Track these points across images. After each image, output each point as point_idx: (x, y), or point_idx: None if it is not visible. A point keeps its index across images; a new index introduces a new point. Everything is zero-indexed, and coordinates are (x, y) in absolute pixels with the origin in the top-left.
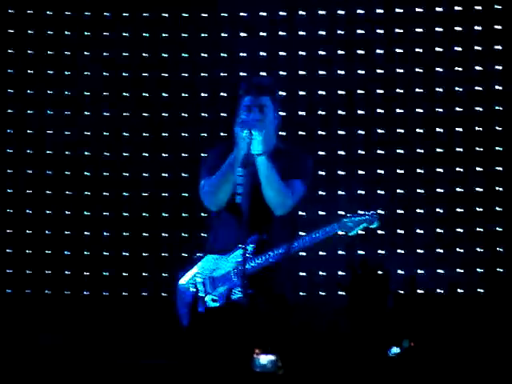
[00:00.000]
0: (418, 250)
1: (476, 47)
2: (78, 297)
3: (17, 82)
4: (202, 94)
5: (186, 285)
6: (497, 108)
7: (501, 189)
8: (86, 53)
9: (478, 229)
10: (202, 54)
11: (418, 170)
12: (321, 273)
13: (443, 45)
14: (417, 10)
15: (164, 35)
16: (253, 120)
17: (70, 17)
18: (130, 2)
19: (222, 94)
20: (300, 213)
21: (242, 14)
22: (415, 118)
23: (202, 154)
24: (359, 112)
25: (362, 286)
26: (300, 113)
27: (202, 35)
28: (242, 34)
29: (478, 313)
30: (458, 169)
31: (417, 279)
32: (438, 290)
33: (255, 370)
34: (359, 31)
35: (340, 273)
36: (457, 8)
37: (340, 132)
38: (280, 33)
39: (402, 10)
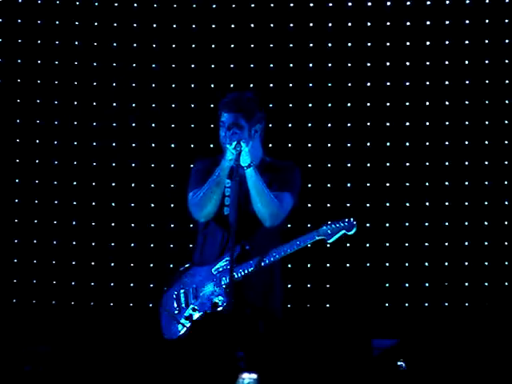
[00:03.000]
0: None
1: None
2: (66, 307)
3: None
4: (192, 105)
5: (170, 296)
6: None
7: None
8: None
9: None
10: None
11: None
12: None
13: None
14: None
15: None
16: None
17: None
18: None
19: (211, 105)
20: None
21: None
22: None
23: (191, 165)
24: (348, 124)
25: None
26: (289, 124)
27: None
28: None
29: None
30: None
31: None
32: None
33: None
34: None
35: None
36: None
37: (328, 144)
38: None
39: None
